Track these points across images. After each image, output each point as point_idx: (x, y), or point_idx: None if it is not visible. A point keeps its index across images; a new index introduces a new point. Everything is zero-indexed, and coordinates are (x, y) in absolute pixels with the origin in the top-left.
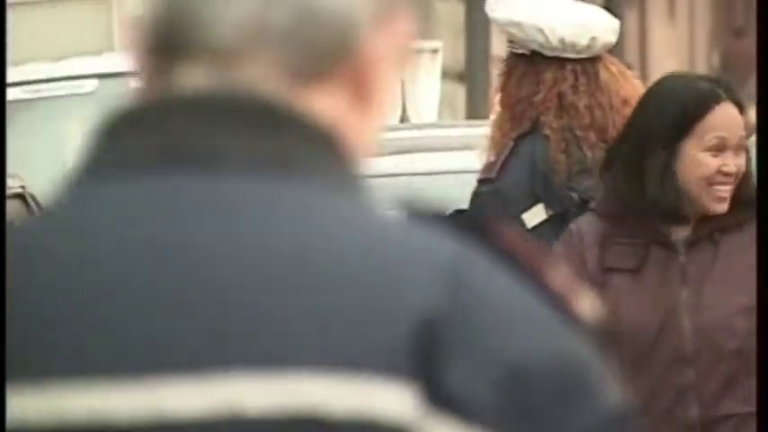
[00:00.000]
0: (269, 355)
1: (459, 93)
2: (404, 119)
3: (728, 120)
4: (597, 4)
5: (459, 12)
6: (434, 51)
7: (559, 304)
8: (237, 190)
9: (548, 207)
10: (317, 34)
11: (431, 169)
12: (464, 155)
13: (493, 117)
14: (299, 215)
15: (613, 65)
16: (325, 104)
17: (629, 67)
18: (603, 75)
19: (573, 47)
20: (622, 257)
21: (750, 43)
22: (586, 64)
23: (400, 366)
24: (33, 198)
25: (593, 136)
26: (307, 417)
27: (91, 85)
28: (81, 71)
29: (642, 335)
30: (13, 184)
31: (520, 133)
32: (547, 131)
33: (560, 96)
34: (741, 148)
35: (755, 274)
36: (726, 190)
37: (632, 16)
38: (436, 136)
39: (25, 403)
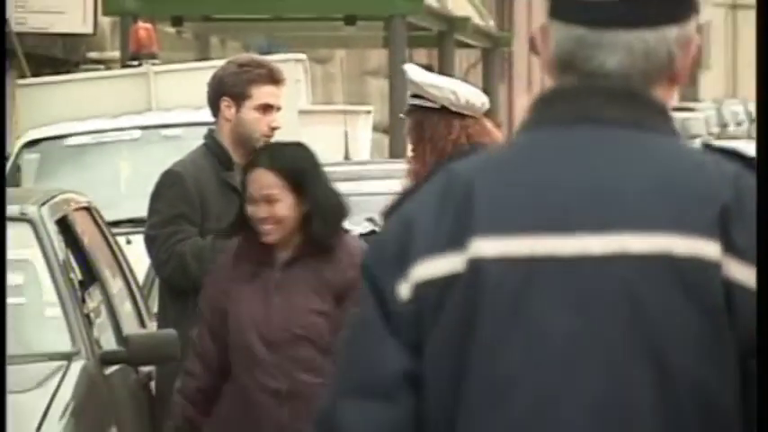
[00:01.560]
0: (643, 223)
1: (385, 141)
2: (347, 157)
3: (252, 178)
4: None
5: (385, 86)
6: (368, 113)
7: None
8: (614, 135)
9: None
10: (653, 63)
11: (365, 192)
12: (387, 182)
13: (410, 154)
14: (649, 146)
15: (488, 120)
16: (659, 93)
17: (499, 124)
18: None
19: (472, 106)
20: (241, 273)
21: None
22: (477, 118)
23: (713, 231)
24: (96, 210)
25: None
26: (664, 254)
27: (136, 134)
28: (128, 124)
29: (244, 328)
30: (81, 200)
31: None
32: None
33: (467, 137)
34: (269, 200)
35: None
36: (267, 230)
37: (503, 89)
38: (369, 169)
39: (521, 244)
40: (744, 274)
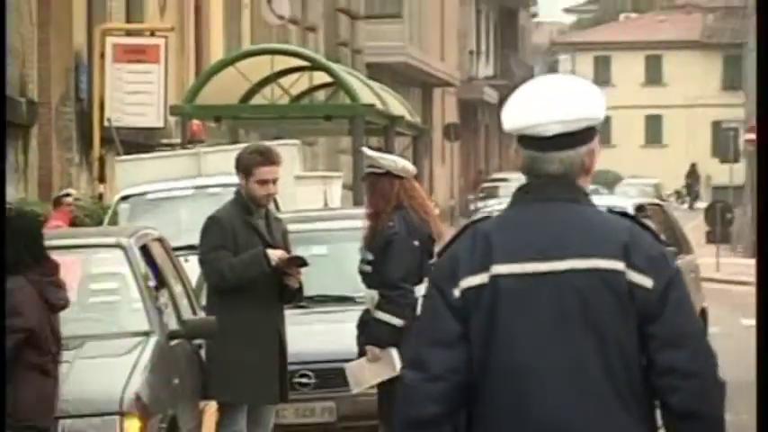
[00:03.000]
0: (582, 253)
1: (350, 195)
2: (326, 205)
3: None
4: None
5: (350, 160)
6: (339, 177)
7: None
8: (562, 206)
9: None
10: (575, 167)
11: (336, 227)
12: (351, 221)
13: (366, 203)
14: (580, 212)
15: (416, 181)
16: (581, 182)
17: (421, 184)
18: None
19: (406, 171)
20: None
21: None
22: (409, 179)
23: (620, 256)
24: (165, 240)
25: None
26: (595, 269)
27: (190, 192)
28: (186, 186)
29: None
30: (155, 234)
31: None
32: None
33: (403, 191)
34: None
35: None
36: None
37: (426, 163)
38: (339, 213)
39: (519, 267)
40: (638, 278)
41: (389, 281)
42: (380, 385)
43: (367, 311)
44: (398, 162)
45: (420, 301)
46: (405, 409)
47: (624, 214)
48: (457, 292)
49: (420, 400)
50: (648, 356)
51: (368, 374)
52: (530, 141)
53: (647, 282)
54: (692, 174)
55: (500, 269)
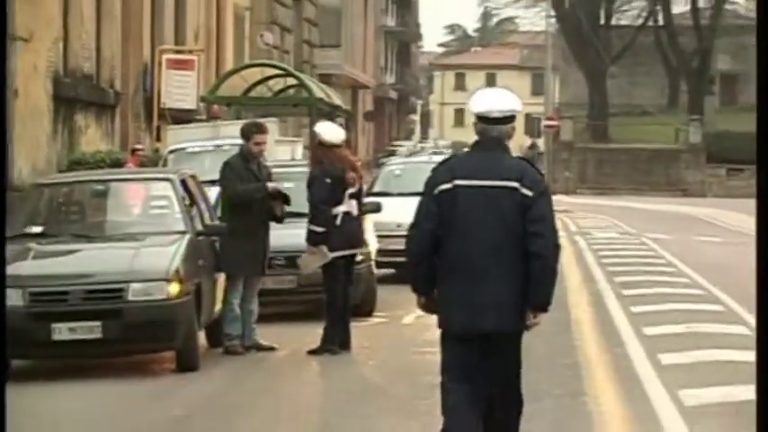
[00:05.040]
0: (499, 177)
1: (306, 153)
2: (293, 158)
3: None
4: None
5: (307, 131)
6: (300, 141)
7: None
8: (494, 154)
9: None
10: (505, 134)
11: (298, 172)
12: (307, 168)
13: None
14: (502, 157)
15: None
16: (506, 142)
17: (349, 148)
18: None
19: (326, 141)
20: None
21: None
22: (340, 145)
23: (517, 179)
24: (196, 177)
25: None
26: (505, 186)
27: (211, 148)
28: (210, 144)
29: None
30: (190, 172)
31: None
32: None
33: (323, 152)
34: None
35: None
36: None
37: (353, 133)
38: (300, 163)
39: (467, 181)
40: (525, 191)
41: (311, 204)
42: (323, 268)
43: None
44: (323, 135)
45: (339, 216)
46: (410, 246)
47: (521, 158)
48: (437, 192)
49: (417, 242)
50: (525, 228)
51: (309, 262)
52: (483, 120)
53: (529, 192)
54: (533, 146)
55: (459, 182)
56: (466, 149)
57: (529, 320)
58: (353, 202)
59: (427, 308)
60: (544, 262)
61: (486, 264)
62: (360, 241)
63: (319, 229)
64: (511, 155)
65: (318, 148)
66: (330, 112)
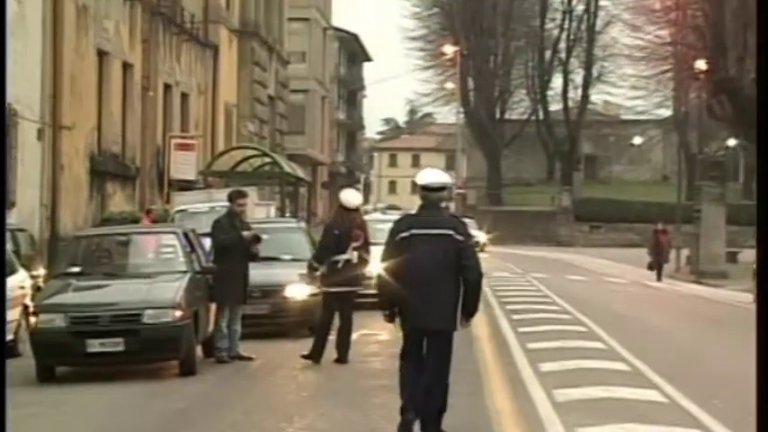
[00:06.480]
0: (441, 227)
1: (277, 213)
2: (267, 216)
3: None
4: None
5: (278, 197)
6: (273, 204)
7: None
8: (435, 212)
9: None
10: (442, 198)
11: (273, 227)
12: (278, 224)
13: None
14: (441, 214)
15: None
16: (443, 204)
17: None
18: None
19: (343, 202)
20: None
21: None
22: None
23: (452, 229)
24: (195, 231)
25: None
26: (446, 234)
27: (206, 209)
28: (205, 206)
29: None
30: (190, 228)
31: None
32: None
33: (337, 210)
34: None
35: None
36: None
37: (314, 198)
38: (273, 220)
39: (420, 230)
40: (458, 237)
41: (318, 246)
42: (322, 298)
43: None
44: (344, 200)
45: (341, 262)
46: (379, 277)
47: (453, 215)
48: (398, 238)
49: (383, 275)
50: (458, 262)
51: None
52: (426, 189)
53: (461, 237)
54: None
55: (414, 231)
56: (403, 211)
57: (462, 323)
58: (355, 253)
59: (389, 319)
60: (474, 285)
61: (433, 284)
62: (356, 281)
63: (316, 264)
64: (445, 212)
65: (339, 209)
66: (296, 182)
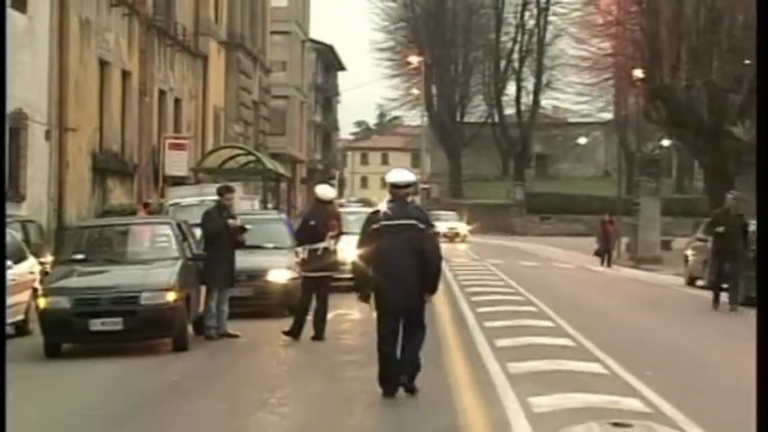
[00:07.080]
0: (405, 217)
1: (260, 205)
2: (252, 208)
3: None
4: None
5: (260, 190)
6: (257, 197)
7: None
8: (403, 204)
9: None
10: (408, 194)
11: (256, 218)
12: (261, 215)
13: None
14: (406, 206)
15: None
16: (409, 198)
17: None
18: None
19: (320, 195)
20: None
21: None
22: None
23: (416, 219)
24: (187, 222)
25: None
26: (411, 223)
27: (196, 202)
28: (195, 199)
29: None
30: (183, 219)
31: None
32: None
33: (314, 202)
34: None
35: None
36: None
37: (293, 193)
38: (258, 212)
39: (390, 222)
40: (421, 225)
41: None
42: (302, 282)
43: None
44: (319, 193)
45: (320, 249)
46: (355, 263)
47: (417, 207)
48: (370, 229)
49: (359, 261)
50: (422, 246)
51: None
52: (394, 186)
53: (423, 226)
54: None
55: (384, 223)
56: (376, 203)
57: (426, 298)
58: (332, 241)
59: (365, 300)
60: (434, 265)
61: (402, 267)
62: (332, 266)
63: (299, 249)
64: (410, 205)
65: (315, 202)
66: (278, 178)
